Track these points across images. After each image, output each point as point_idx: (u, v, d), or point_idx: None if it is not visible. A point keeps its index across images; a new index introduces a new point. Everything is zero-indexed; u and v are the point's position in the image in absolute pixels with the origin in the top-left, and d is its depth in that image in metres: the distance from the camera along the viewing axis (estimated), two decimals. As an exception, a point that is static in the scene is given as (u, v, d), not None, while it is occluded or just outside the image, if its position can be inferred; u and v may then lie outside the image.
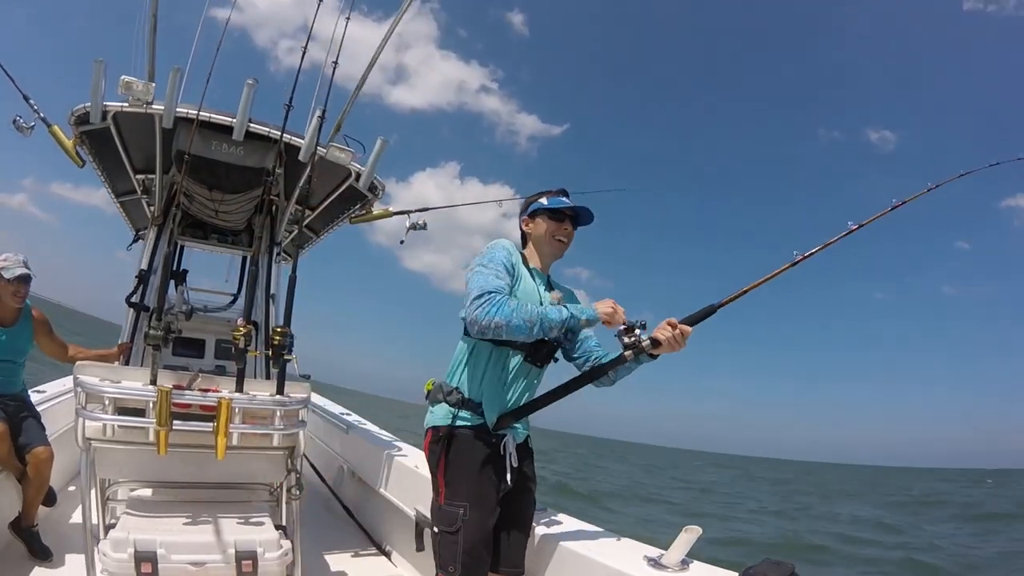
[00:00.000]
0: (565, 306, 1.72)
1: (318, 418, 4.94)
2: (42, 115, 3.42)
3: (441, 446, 1.76)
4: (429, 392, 1.88)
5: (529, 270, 1.91)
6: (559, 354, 1.95)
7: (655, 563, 1.69)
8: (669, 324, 1.70)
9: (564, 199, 1.96)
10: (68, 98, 3.40)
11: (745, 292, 1.79)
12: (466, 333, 1.82)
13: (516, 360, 1.81)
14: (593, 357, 1.94)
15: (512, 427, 1.82)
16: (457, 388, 1.81)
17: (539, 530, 2.05)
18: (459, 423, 1.76)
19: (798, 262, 1.86)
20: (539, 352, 1.83)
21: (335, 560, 3.16)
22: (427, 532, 1.85)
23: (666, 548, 1.72)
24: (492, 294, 1.65)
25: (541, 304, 1.79)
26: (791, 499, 21.26)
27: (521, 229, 2.04)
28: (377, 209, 4.29)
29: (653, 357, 1.76)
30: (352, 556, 3.29)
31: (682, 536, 1.65)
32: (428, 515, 1.84)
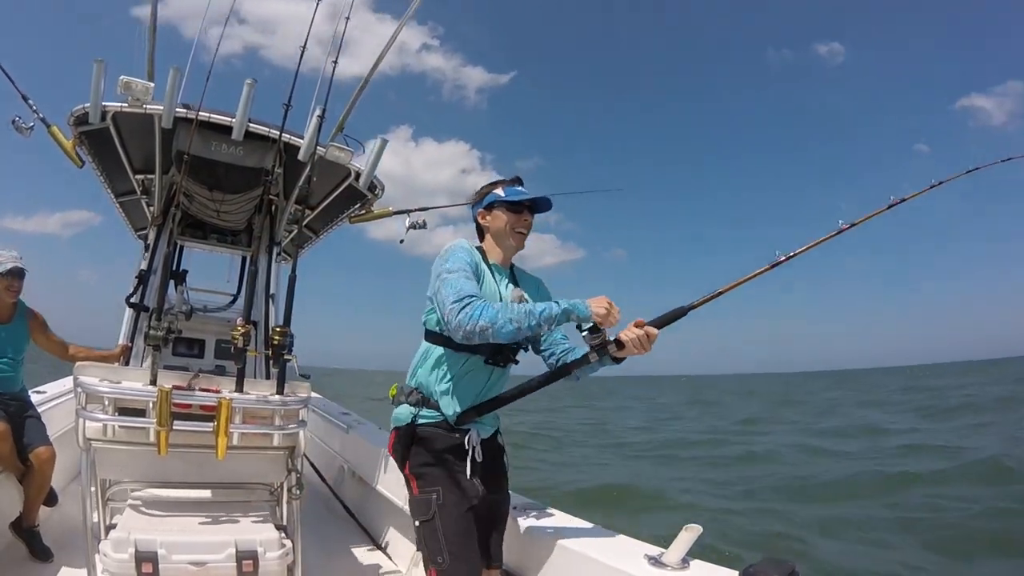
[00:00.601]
0: (556, 301, 1.66)
1: (318, 418, 4.94)
2: (41, 115, 3.42)
3: (404, 443, 1.77)
4: (393, 396, 1.87)
5: (489, 267, 1.86)
6: (524, 351, 1.91)
7: (655, 561, 1.69)
8: (636, 325, 1.66)
9: (521, 188, 1.90)
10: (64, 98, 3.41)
11: (720, 293, 1.73)
12: (427, 337, 1.81)
13: (476, 361, 1.78)
14: (560, 350, 1.91)
15: (476, 422, 1.79)
16: (417, 388, 1.80)
17: (538, 528, 2.05)
18: (421, 420, 1.76)
19: (780, 263, 1.80)
20: (499, 354, 1.80)
21: (336, 560, 3.16)
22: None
23: (666, 547, 1.72)
24: (471, 297, 1.61)
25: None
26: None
27: (476, 222, 1.96)
28: (377, 208, 4.29)
29: (616, 361, 1.72)
30: (353, 556, 3.29)
31: (682, 535, 1.65)
32: None
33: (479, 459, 1.75)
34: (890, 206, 2.00)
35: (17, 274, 2.99)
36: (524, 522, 2.12)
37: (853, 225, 1.91)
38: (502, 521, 1.92)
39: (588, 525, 2.11)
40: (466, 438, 1.75)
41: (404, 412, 1.80)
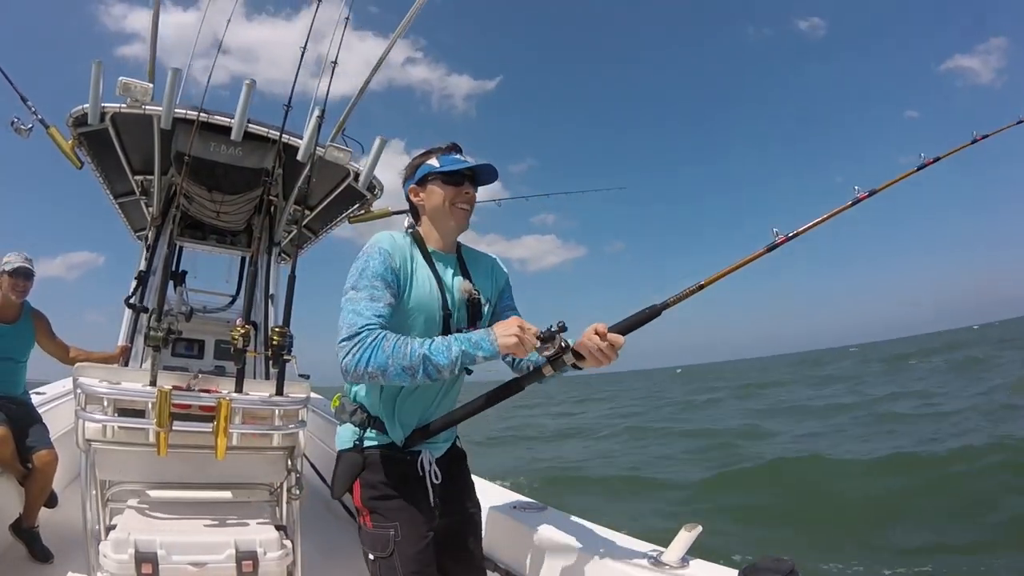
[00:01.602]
0: (456, 338, 1.41)
1: (318, 418, 4.94)
2: (40, 117, 3.42)
3: (349, 470, 1.57)
4: (336, 410, 1.68)
5: (429, 255, 1.59)
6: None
7: (655, 561, 1.68)
8: (596, 333, 1.39)
9: (459, 156, 1.61)
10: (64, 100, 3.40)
11: (702, 287, 1.50)
12: (338, 348, 1.56)
13: None
14: (528, 358, 1.63)
15: (427, 443, 1.59)
16: (360, 406, 1.60)
17: (538, 528, 2.05)
18: (367, 443, 1.57)
19: (777, 245, 1.59)
20: None
21: (335, 560, 3.16)
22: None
23: (666, 546, 1.72)
24: (362, 335, 1.36)
25: (448, 303, 1.55)
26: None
27: (409, 201, 1.66)
28: (376, 208, 4.30)
29: (578, 368, 1.46)
30: (352, 556, 3.29)
31: (682, 534, 1.65)
32: None
33: (437, 480, 1.57)
34: (920, 167, 1.80)
35: (24, 274, 2.99)
36: (524, 522, 2.12)
37: (872, 193, 1.70)
38: (476, 537, 1.72)
39: (588, 524, 2.11)
40: (418, 462, 1.57)
41: (347, 434, 1.61)
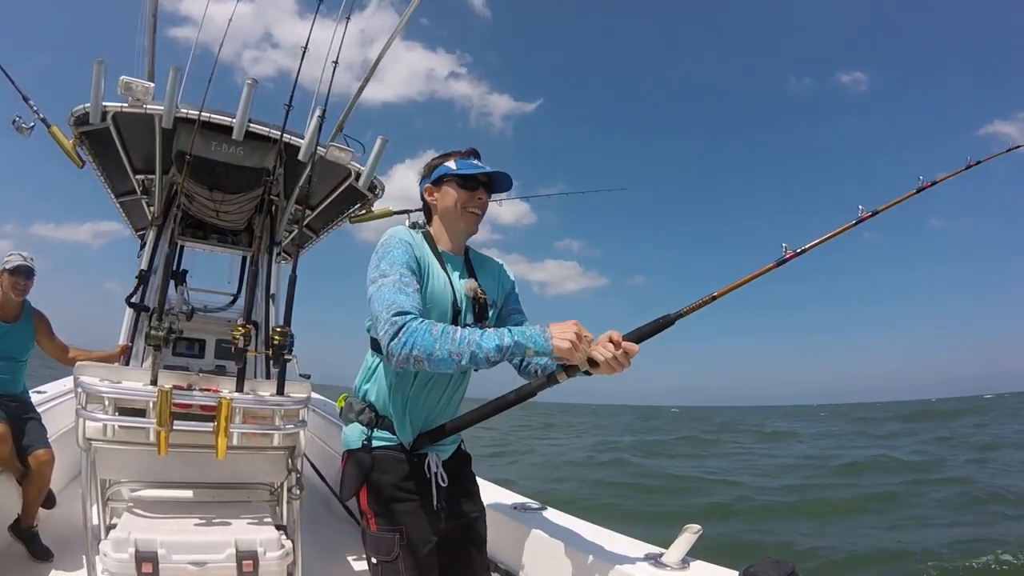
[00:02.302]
0: (509, 330, 1.38)
1: (318, 418, 4.94)
2: (42, 116, 3.43)
3: (358, 472, 1.54)
4: (341, 410, 1.67)
5: (439, 255, 1.60)
6: None
7: (656, 562, 1.68)
8: (611, 341, 1.38)
9: (476, 162, 1.62)
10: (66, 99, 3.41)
11: (714, 298, 1.50)
12: (374, 347, 1.58)
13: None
14: (536, 361, 1.62)
15: (434, 445, 1.60)
16: (369, 405, 1.58)
17: (538, 528, 2.05)
18: (375, 444, 1.55)
19: (786, 260, 1.60)
20: None
21: (336, 560, 3.16)
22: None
23: (667, 547, 1.72)
24: (405, 319, 1.35)
25: (457, 301, 1.56)
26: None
27: (423, 200, 1.69)
28: (377, 208, 4.30)
29: (589, 375, 1.46)
30: (353, 556, 3.29)
31: (683, 535, 1.65)
32: None
33: (444, 483, 1.57)
34: (919, 190, 1.84)
35: (24, 272, 2.99)
36: (525, 523, 2.12)
37: (875, 213, 1.72)
38: (481, 541, 1.71)
39: (588, 525, 2.11)
40: (425, 464, 1.56)
41: (355, 433, 1.58)
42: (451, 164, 1.61)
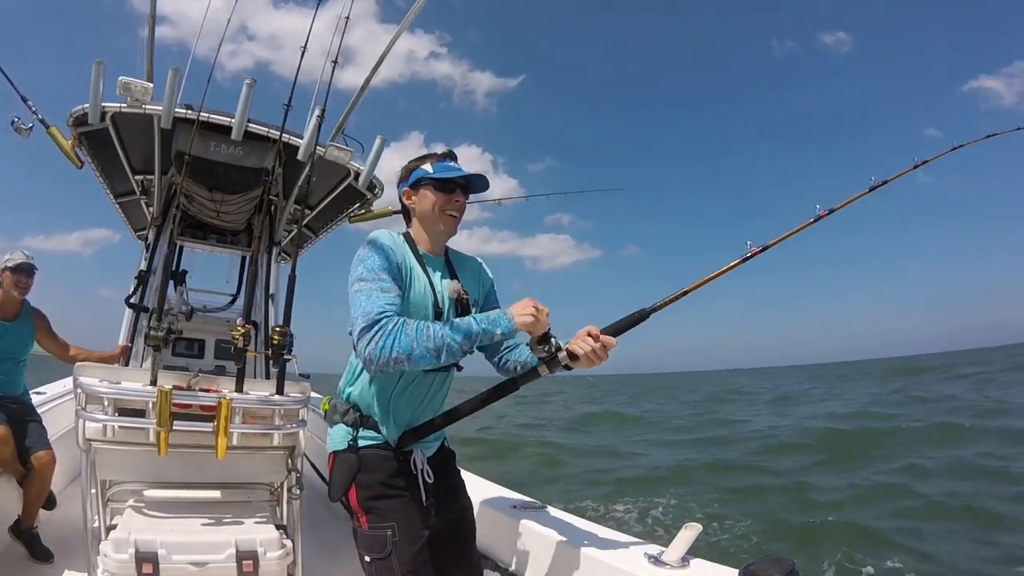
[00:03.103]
0: (474, 318, 1.45)
1: (318, 417, 4.94)
2: (40, 116, 3.42)
3: (346, 472, 1.57)
4: (326, 412, 1.69)
5: (420, 256, 1.63)
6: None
7: (656, 560, 1.69)
8: (590, 335, 1.47)
9: (452, 164, 1.65)
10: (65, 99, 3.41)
11: (685, 293, 1.58)
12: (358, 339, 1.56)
13: (414, 371, 1.56)
14: (512, 358, 1.69)
15: (419, 441, 1.62)
16: (353, 405, 1.61)
17: (538, 528, 2.05)
18: (361, 443, 1.57)
19: (750, 257, 1.67)
20: None
21: (336, 560, 3.16)
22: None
23: (667, 545, 1.72)
24: (382, 322, 1.38)
25: (439, 302, 1.59)
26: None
27: (402, 203, 1.70)
28: (377, 207, 4.29)
29: (569, 369, 1.53)
30: (353, 556, 3.29)
31: (683, 533, 1.65)
32: None
33: (430, 479, 1.60)
34: (871, 188, 1.91)
35: (26, 270, 3.00)
36: (524, 522, 2.12)
37: (831, 211, 1.80)
38: (470, 534, 1.75)
39: (588, 524, 2.11)
40: (411, 462, 1.59)
41: (341, 434, 1.61)
42: (427, 167, 1.63)
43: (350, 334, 1.48)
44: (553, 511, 2.24)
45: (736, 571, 1.49)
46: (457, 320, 1.45)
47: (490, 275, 1.83)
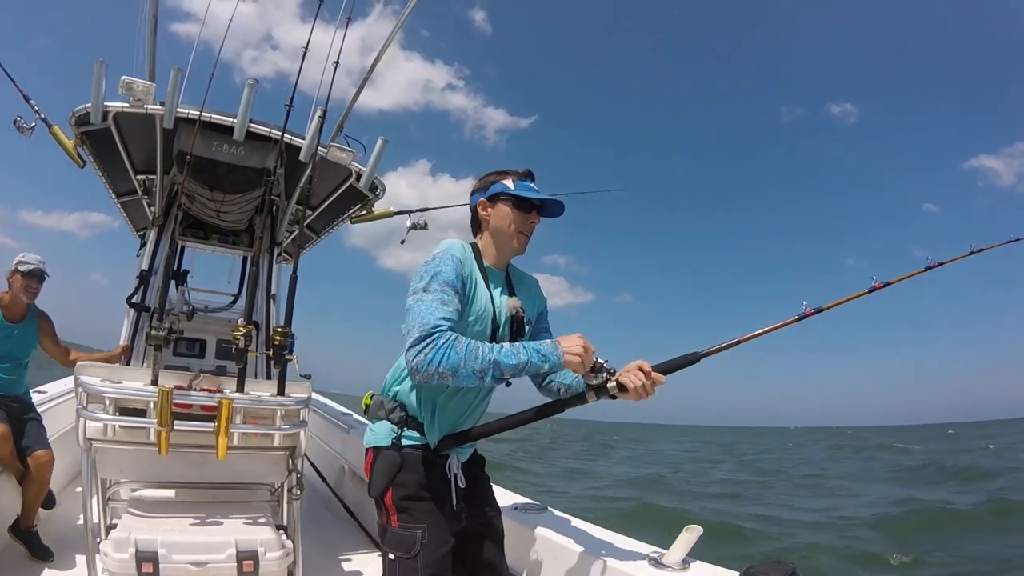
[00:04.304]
0: (525, 347, 1.45)
1: (319, 418, 4.94)
2: (43, 115, 3.43)
3: (387, 469, 1.57)
4: (368, 407, 1.70)
5: (484, 269, 1.64)
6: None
7: (656, 562, 1.68)
8: (641, 370, 1.47)
9: (533, 185, 1.66)
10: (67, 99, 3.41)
11: (739, 342, 1.60)
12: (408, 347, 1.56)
13: None
14: (558, 380, 1.70)
15: (455, 448, 1.64)
16: (400, 404, 1.62)
17: (539, 529, 2.05)
18: (404, 443, 1.59)
19: (806, 316, 1.72)
20: None
21: (336, 560, 3.16)
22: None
23: (667, 547, 1.71)
24: (435, 336, 1.39)
25: (496, 317, 1.61)
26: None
27: (474, 213, 1.71)
28: (378, 208, 4.30)
29: (614, 398, 1.53)
30: (353, 556, 3.29)
31: (683, 536, 1.65)
32: None
33: (462, 485, 1.63)
34: (927, 268, 2.01)
35: (38, 276, 3.02)
36: (524, 522, 2.12)
37: (887, 284, 1.89)
38: (499, 540, 1.75)
39: (589, 526, 2.11)
40: (447, 465, 1.62)
41: (385, 431, 1.62)
42: (508, 183, 1.65)
43: (404, 336, 1.49)
44: (554, 513, 2.24)
45: (737, 573, 1.49)
46: (507, 347, 1.44)
47: (544, 296, 1.85)
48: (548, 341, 1.47)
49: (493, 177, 1.68)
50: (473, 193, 1.72)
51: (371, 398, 1.70)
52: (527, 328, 1.71)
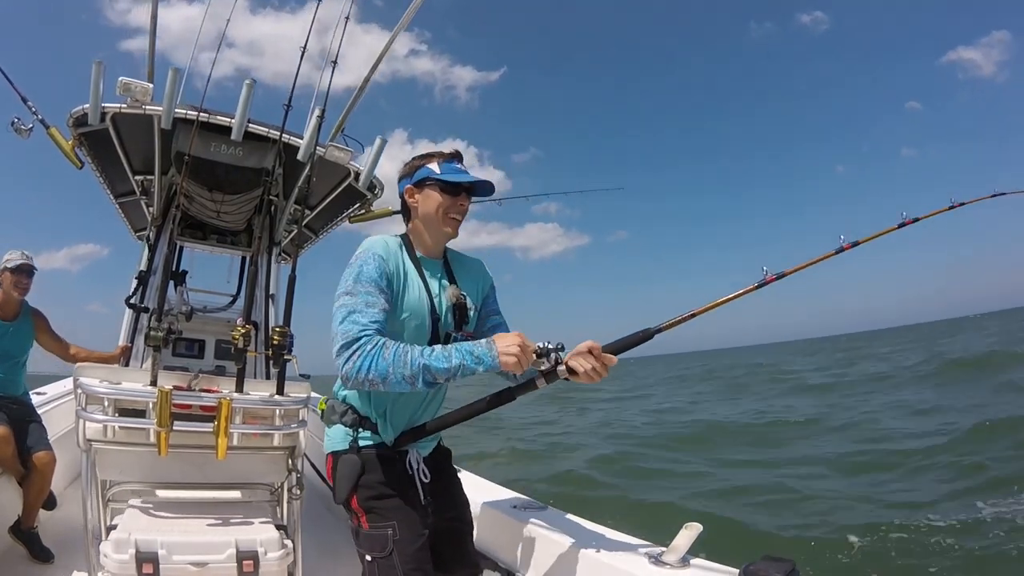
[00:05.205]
0: (458, 349, 1.41)
1: (318, 418, 4.94)
2: (40, 117, 3.42)
3: (348, 473, 1.57)
4: (323, 413, 1.69)
5: (417, 260, 1.61)
6: None
7: (656, 560, 1.68)
8: (591, 351, 1.44)
9: (459, 166, 1.61)
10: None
11: (694, 315, 1.54)
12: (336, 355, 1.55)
13: None
14: None
15: (413, 443, 1.63)
16: (351, 407, 1.61)
17: (538, 528, 2.05)
18: (361, 444, 1.58)
19: (765, 283, 1.65)
20: None
21: (336, 560, 3.16)
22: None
23: (667, 545, 1.72)
24: (361, 341, 1.37)
25: (436, 308, 1.57)
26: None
27: (403, 200, 1.66)
28: (377, 207, 4.30)
29: (567, 380, 1.51)
30: (353, 556, 3.29)
31: (683, 533, 1.65)
32: None
33: (426, 479, 1.61)
34: (900, 225, 1.91)
35: (26, 271, 3.02)
36: (524, 522, 2.12)
37: (855, 244, 1.81)
38: (468, 532, 1.76)
39: (588, 524, 2.11)
40: (407, 461, 1.60)
41: (340, 434, 1.61)
42: (434, 167, 1.59)
43: (332, 343, 1.45)
44: (554, 511, 2.24)
45: (736, 571, 1.49)
46: (439, 350, 1.41)
47: (490, 276, 1.81)
48: (483, 341, 1.43)
49: (418, 162, 1.63)
50: (400, 180, 1.67)
51: (324, 403, 1.69)
52: (471, 314, 1.68)
